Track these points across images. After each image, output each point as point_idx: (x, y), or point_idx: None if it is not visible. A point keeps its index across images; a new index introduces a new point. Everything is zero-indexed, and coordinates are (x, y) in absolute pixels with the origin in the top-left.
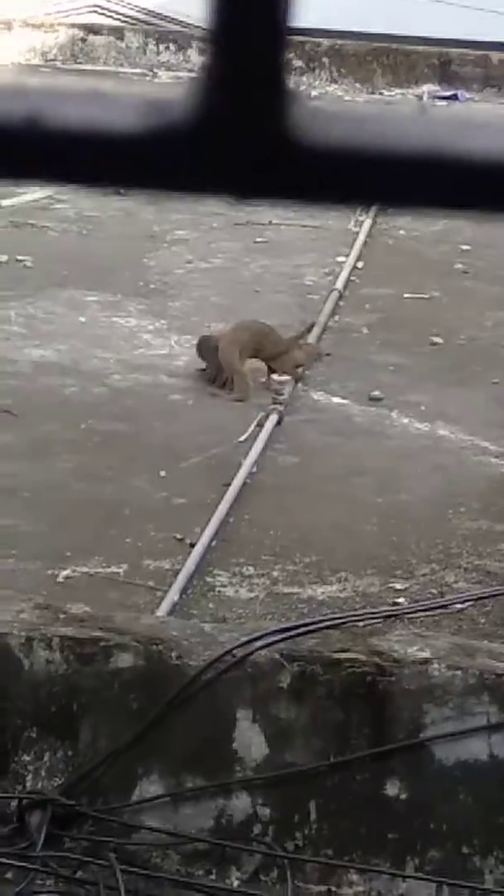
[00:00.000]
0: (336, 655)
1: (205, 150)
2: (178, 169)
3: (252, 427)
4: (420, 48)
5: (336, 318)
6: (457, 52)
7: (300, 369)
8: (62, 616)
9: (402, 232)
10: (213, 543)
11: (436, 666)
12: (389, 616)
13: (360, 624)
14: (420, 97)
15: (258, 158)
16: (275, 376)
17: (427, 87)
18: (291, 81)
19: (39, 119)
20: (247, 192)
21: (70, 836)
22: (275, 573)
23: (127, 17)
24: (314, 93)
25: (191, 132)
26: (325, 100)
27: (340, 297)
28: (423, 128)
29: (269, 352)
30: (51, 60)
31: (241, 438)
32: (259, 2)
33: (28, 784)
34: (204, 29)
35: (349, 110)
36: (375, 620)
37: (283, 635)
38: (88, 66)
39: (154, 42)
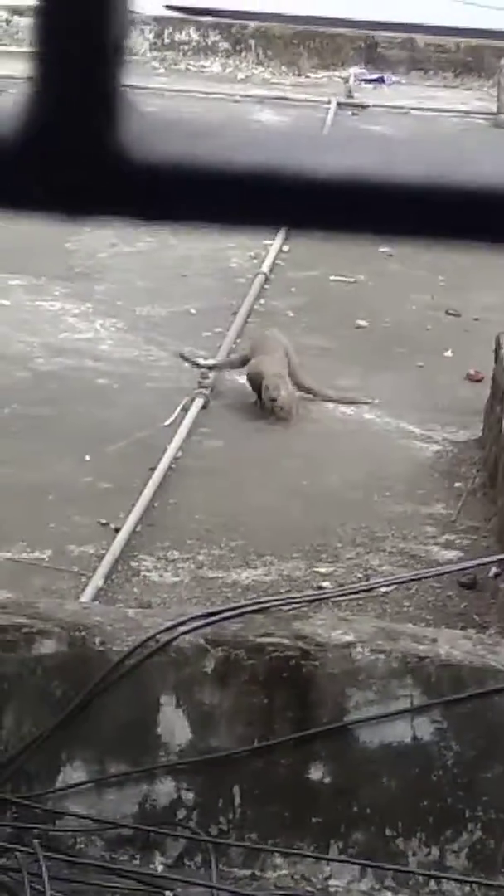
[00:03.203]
0: (260, 640)
1: (32, 165)
2: (5, 185)
3: (177, 411)
4: (346, 31)
5: (262, 301)
6: (383, 35)
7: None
8: None
9: None
10: (138, 528)
11: (359, 649)
12: (314, 600)
13: (285, 608)
14: (346, 80)
15: (87, 175)
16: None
17: (353, 70)
18: (125, 96)
19: None
20: (76, 209)
21: None
22: (200, 557)
23: None
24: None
25: (18, 147)
26: (162, 113)
27: (266, 280)
28: (260, 143)
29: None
30: None
31: (167, 423)
32: (89, 15)
33: None
34: (32, 41)
35: (186, 124)
36: (300, 605)
37: (207, 620)
38: (13, 48)
39: None
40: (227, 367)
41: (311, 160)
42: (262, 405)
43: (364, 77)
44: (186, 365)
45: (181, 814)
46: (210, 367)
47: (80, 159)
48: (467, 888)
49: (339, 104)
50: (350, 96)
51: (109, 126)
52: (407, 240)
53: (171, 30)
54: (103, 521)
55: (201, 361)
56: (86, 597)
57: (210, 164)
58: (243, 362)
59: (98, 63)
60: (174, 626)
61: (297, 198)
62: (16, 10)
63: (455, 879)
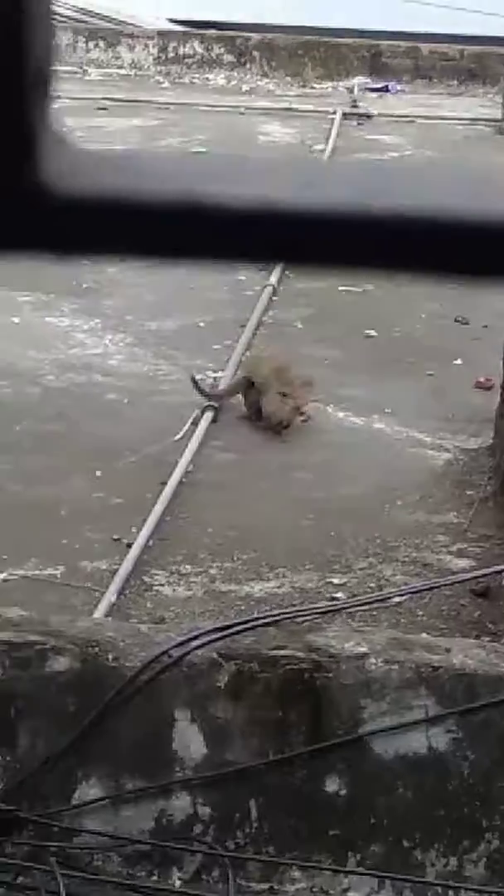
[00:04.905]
0: (273, 653)
1: None
2: None
3: (188, 425)
4: (350, 41)
5: (270, 313)
6: (387, 44)
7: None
8: None
9: None
10: (151, 543)
11: (373, 660)
12: (327, 611)
13: (298, 620)
14: (351, 90)
15: (7, 208)
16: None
17: (358, 80)
18: (53, 126)
19: None
20: None
21: (10, 841)
22: (212, 571)
23: (56, 13)
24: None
25: None
26: (92, 145)
27: (274, 292)
28: (188, 173)
29: (274, 388)
30: None
31: (177, 437)
32: (6, 43)
33: None
34: None
35: (115, 158)
36: (313, 616)
37: (220, 634)
38: None
39: (84, 39)
40: (231, 393)
41: (237, 189)
42: (253, 419)
43: (369, 86)
44: (195, 390)
45: (198, 828)
46: (215, 397)
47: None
48: None
49: (344, 114)
50: (355, 106)
51: (30, 161)
52: (309, 268)
53: (175, 43)
54: (115, 536)
55: (207, 391)
56: (99, 613)
57: (135, 198)
58: (246, 385)
59: (19, 89)
60: (187, 641)
61: (224, 229)
62: None
63: (474, 889)
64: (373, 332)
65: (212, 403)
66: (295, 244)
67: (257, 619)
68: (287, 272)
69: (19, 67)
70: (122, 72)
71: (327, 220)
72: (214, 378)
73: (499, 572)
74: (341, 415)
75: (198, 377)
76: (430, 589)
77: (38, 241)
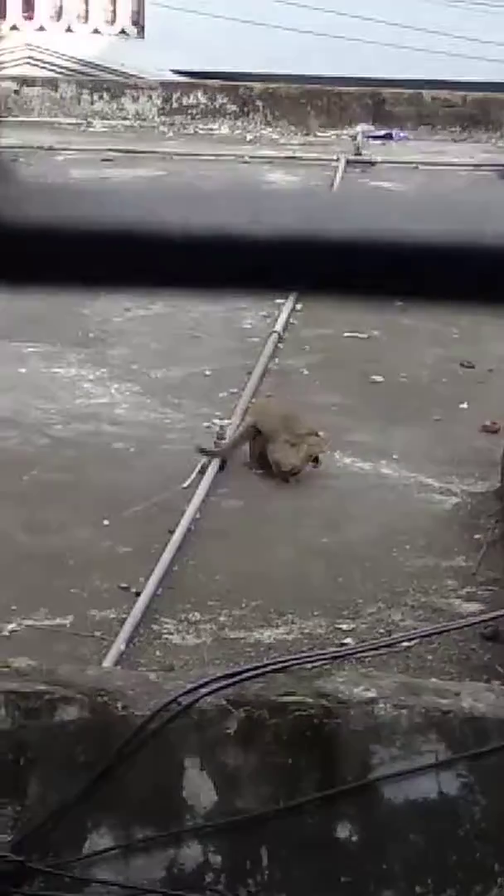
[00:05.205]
0: (282, 699)
1: None
2: None
3: (195, 473)
4: (353, 89)
5: (276, 360)
6: (389, 92)
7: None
8: (5, 670)
9: None
10: (159, 591)
11: (382, 705)
12: (336, 657)
13: (308, 666)
14: (354, 137)
15: None
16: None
17: (361, 127)
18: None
19: None
20: None
21: (21, 892)
22: (221, 618)
23: (60, 67)
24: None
25: None
26: (43, 177)
27: (280, 339)
28: (134, 204)
29: (282, 437)
30: None
31: (185, 484)
32: None
33: None
34: None
35: (63, 188)
36: (322, 662)
37: (229, 681)
38: (23, 118)
39: (88, 91)
40: (239, 444)
41: (183, 217)
42: (257, 467)
43: (372, 134)
44: (202, 452)
45: (209, 877)
46: (223, 453)
47: None
48: None
49: (347, 161)
50: (358, 153)
51: None
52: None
53: (178, 94)
54: (124, 585)
55: (215, 450)
56: (108, 662)
57: (82, 228)
58: (252, 433)
59: None
60: (196, 689)
61: (169, 257)
62: (25, 81)
63: None
64: (379, 378)
65: (220, 446)
66: (242, 270)
67: (266, 665)
68: (292, 320)
69: None
70: (127, 123)
71: (272, 246)
72: (221, 427)
73: None
74: (348, 460)
75: (205, 425)
76: (440, 633)
77: None
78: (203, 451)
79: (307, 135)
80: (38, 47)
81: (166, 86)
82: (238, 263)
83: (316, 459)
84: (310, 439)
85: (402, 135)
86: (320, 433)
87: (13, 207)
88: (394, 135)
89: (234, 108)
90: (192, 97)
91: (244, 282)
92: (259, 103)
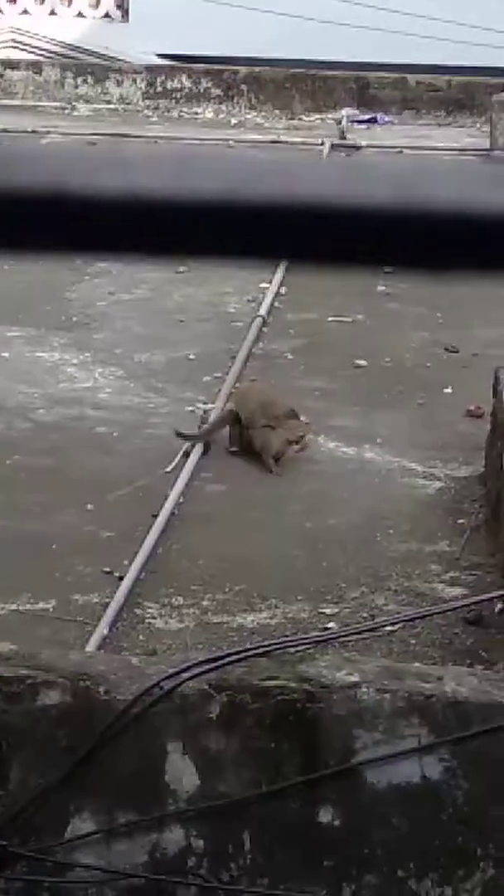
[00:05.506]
0: (265, 683)
1: None
2: None
3: (178, 457)
4: (338, 73)
5: (260, 344)
6: (374, 76)
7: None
8: None
9: None
10: (142, 575)
11: (364, 690)
12: (319, 641)
13: (290, 651)
14: (339, 121)
15: None
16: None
17: (346, 112)
18: None
19: None
20: None
21: (3, 876)
22: (204, 603)
23: (44, 50)
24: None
25: None
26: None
27: (264, 323)
28: (52, 168)
29: (261, 422)
30: None
31: (168, 469)
32: None
33: None
34: None
35: (20, 151)
36: (305, 646)
37: (212, 665)
38: (6, 102)
39: (72, 75)
40: (217, 429)
41: (108, 180)
42: (238, 452)
43: (357, 118)
44: (180, 435)
45: (192, 861)
46: (202, 437)
47: None
48: None
49: (332, 145)
50: (343, 137)
51: None
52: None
53: (163, 78)
54: (107, 569)
55: (194, 434)
56: (91, 646)
57: (4, 191)
58: (231, 419)
59: None
60: (178, 673)
61: (96, 220)
62: (8, 64)
63: None
64: (363, 362)
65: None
66: (165, 234)
67: (249, 649)
68: (277, 304)
69: None
70: (111, 107)
71: (195, 209)
72: (205, 410)
73: (491, 600)
74: (332, 445)
75: (188, 409)
76: (423, 617)
77: None
78: (181, 435)
79: (292, 119)
80: (22, 30)
81: (151, 69)
82: (160, 226)
83: (298, 443)
84: (289, 423)
85: (386, 119)
86: (301, 417)
87: None
88: (378, 119)
89: (218, 92)
90: (176, 81)
91: (168, 247)
92: (244, 87)
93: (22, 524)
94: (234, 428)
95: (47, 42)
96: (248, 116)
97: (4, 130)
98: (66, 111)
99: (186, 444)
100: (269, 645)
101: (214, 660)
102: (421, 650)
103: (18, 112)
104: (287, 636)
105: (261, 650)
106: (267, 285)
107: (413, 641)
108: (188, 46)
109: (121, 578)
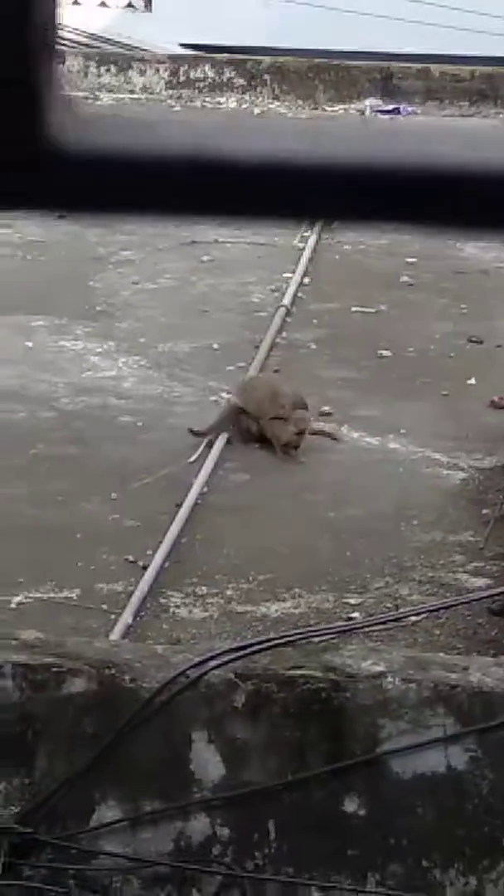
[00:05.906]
0: (290, 673)
1: None
2: None
3: (202, 447)
4: (361, 63)
5: (284, 334)
6: (398, 66)
7: (295, 439)
8: (13, 643)
9: (347, 247)
10: (166, 564)
11: (390, 679)
12: (344, 631)
13: (315, 640)
14: (362, 112)
15: (15, 167)
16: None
17: (369, 102)
18: (57, 85)
19: None
20: (3, 202)
21: (29, 864)
22: (228, 592)
23: (67, 40)
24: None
25: None
26: (96, 105)
27: (288, 313)
28: (191, 133)
29: (269, 413)
30: None
31: (192, 458)
32: (14, 4)
33: None
34: None
35: (119, 116)
36: (330, 636)
37: (237, 654)
38: None
39: (95, 65)
40: (223, 425)
41: (243, 146)
42: (244, 441)
43: (380, 108)
44: (191, 433)
45: (216, 850)
46: (206, 433)
47: (6, 152)
48: None
49: None
50: None
51: (37, 120)
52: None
53: (186, 67)
54: (131, 558)
55: (199, 430)
56: (115, 635)
57: (141, 156)
58: (234, 414)
59: (23, 50)
60: (204, 662)
61: (231, 185)
62: None
63: None
64: (387, 353)
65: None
66: (301, 198)
67: (274, 639)
68: (300, 294)
69: (25, 30)
70: (134, 96)
71: (334, 175)
72: (228, 400)
73: None
74: (356, 435)
75: (212, 399)
76: (447, 608)
77: (45, 199)
78: (193, 432)
79: (315, 109)
80: None
81: (174, 59)
82: (296, 191)
83: (304, 433)
84: (297, 413)
85: (409, 109)
86: (324, 407)
87: (75, 135)
88: (402, 109)
89: (241, 81)
90: (199, 71)
91: (304, 211)
92: (267, 77)
93: (46, 513)
94: (239, 422)
95: (70, 32)
96: (272, 106)
97: None
98: (90, 100)
99: (210, 434)
100: (294, 634)
101: (240, 649)
102: (445, 640)
103: None
104: (311, 626)
105: (285, 640)
106: (290, 275)
107: (437, 632)
108: (211, 36)
109: (144, 568)
